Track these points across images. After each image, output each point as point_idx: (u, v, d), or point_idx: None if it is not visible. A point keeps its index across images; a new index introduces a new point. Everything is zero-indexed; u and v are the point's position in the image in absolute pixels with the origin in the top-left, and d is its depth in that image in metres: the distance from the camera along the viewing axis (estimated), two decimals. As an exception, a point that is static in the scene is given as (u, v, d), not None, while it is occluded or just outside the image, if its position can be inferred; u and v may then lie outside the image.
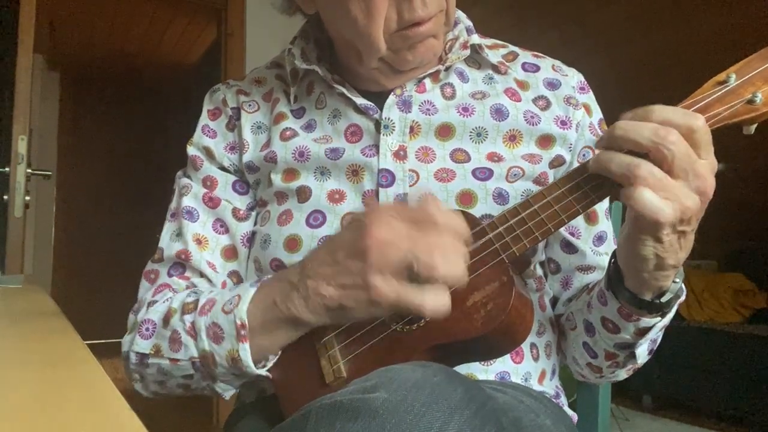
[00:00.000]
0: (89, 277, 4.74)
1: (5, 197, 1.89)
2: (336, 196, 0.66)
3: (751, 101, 0.51)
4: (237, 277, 0.72)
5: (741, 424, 2.64)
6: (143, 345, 0.63)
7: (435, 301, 0.47)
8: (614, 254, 0.58)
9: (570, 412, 0.71)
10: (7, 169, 1.89)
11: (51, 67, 4.45)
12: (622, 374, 0.68)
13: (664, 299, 0.55)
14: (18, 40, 1.90)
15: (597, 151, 0.51)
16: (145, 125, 5.06)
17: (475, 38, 0.72)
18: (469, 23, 0.73)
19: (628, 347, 0.62)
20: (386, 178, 0.65)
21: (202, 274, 0.70)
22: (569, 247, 0.72)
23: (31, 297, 0.95)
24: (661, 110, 0.48)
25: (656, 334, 0.60)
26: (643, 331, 0.58)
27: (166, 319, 0.63)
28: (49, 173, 2.14)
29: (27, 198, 1.91)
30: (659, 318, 0.57)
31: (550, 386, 0.69)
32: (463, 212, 0.59)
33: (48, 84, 4.41)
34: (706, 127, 0.48)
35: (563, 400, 0.70)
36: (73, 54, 4.33)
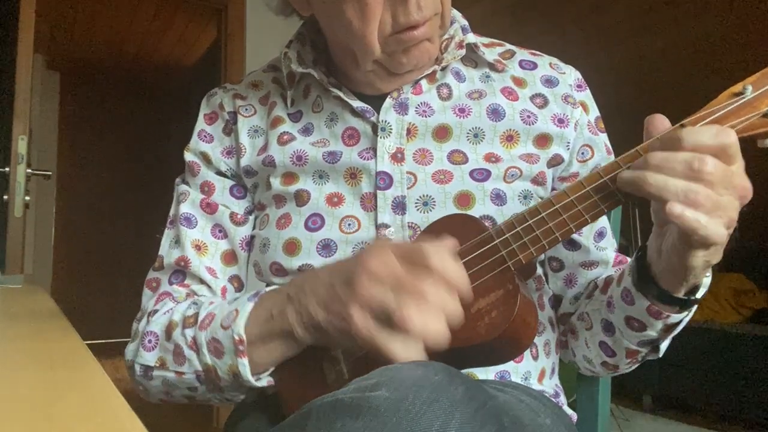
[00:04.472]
0: (89, 277, 4.75)
1: (5, 197, 1.89)
2: (335, 200, 0.67)
3: (767, 114, 0.50)
4: (238, 281, 0.73)
5: (741, 424, 2.64)
6: (147, 357, 0.64)
7: (404, 353, 0.45)
8: (639, 253, 0.58)
9: (569, 411, 0.71)
10: (7, 169, 1.89)
11: (51, 67, 4.45)
12: (635, 365, 0.68)
13: (698, 294, 0.56)
14: (18, 40, 1.90)
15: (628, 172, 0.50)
16: (145, 125, 5.06)
17: (471, 37, 0.71)
18: (465, 22, 0.73)
19: (652, 343, 0.62)
20: (384, 180, 0.66)
21: (201, 281, 0.70)
22: (572, 245, 0.72)
23: (31, 297, 0.95)
24: (690, 135, 0.47)
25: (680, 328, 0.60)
26: (670, 327, 0.59)
27: (168, 332, 0.63)
28: (49, 173, 2.14)
29: (27, 198, 1.91)
30: (687, 312, 0.57)
31: (550, 385, 0.69)
32: (469, 217, 0.58)
33: (48, 84, 4.41)
34: (737, 140, 0.47)
35: (562, 400, 0.70)
36: (73, 54, 4.33)
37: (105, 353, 4.18)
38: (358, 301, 0.47)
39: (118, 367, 3.96)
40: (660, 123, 0.52)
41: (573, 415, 0.72)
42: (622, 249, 0.75)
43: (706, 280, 0.56)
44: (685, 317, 0.58)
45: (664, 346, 0.63)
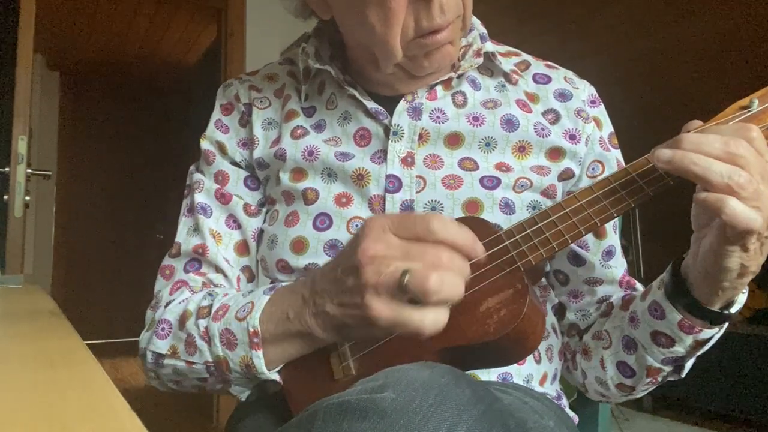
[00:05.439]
0: (89, 277, 4.74)
1: (5, 197, 1.89)
2: (343, 200, 0.66)
3: None
4: (249, 272, 0.73)
5: (741, 424, 2.64)
6: (160, 345, 0.64)
7: (434, 322, 0.44)
8: (673, 265, 0.57)
9: (570, 413, 0.71)
10: (7, 169, 1.89)
11: (51, 67, 4.45)
12: (652, 387, 0.66)
13: (733, 309, 0.55)
14: (18, 40, 1.90)
15: (661, 157, 0.49)
16: (145, 125, 5.06)
17: (489, 46, 0.71)
18: (483, 30, 0.73)
19: (677, 361, 0.61)
20: (393, 183, 0.65)
21: (218, 269, 0.70)
22: (577, 260, 0.71)
23: (31, 297, 0.95)
24: (716, 129, 0.48)
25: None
26: (701, 344, 0.58)
27: (182, 321, 0.63)
28: (49, 173, 2.14)
29: (27, 198, 1.91)
30: (718, 329, 0.56)
31: (551, 389, 0.68)
32: (480, 219, 0.59)
33: (48, 84, 4.41)
34: (761, 134, 0.48)
35: (564, 402, 0.70)
36: (73, 54, 4.33)
37: (105, 353, 4.18)
38: (369, 287, 0.46)
39: (118, 367, 3.96)
40: (696, 127, 0.52)
41: (574, 417, 0.72)
42: (622, 249, 0.75)
43: (742, 297, 0.55)
44: (717, 333, 0.57)
45: (688, 365, 0.61)
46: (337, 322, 0.52)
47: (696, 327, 0.56)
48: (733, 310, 0.55)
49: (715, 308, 0.54)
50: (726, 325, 0.57)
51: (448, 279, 0.43)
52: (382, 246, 0.46)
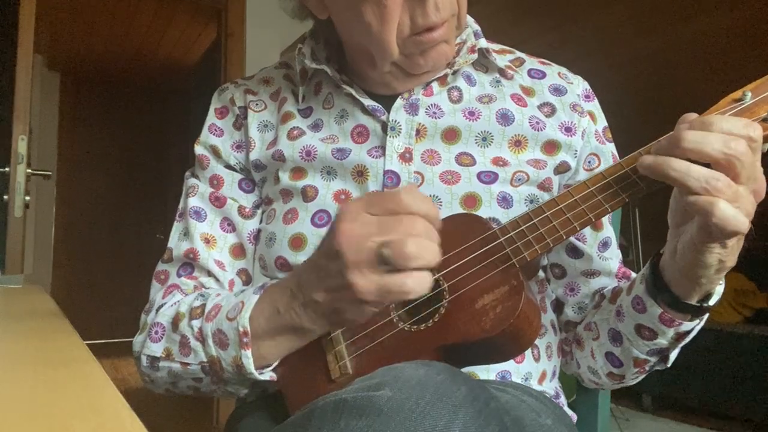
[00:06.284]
0: (89, 277, 4.74)
1: (5, 197, 1.89)
2: (342, 197, 0.67)
3: (766, 119, 0.50)
4: (246, 275, 0.73)
5: (741, 424, 2.64)
6: (154, 348, 0.64)
7: (419, 284, 0.46)
8: (652, 260, 0.58)
9: (569, 412, 0.71)
10: (7, 169, 1.89)
11: (51, 67, 4.45)
12: (641, 376, 0.68)
13: (711, 302, 0.56)
14: (18, 40, 1.90)
15: (650, 157, 0.50)
16: (145, 125, 5.06)
17: (483, 42, 0.72)
18: (477, 27, 0.74)
19: (662, 352, 0.62)
20: (392, 179, 0.66)
21: (209, 273, 0.70)
22: (575, 252, 0.72)
23: (31, 297, 0.95)
24: (721, 121, 0.48)
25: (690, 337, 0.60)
26: (682, 336, 0.59)
27: (175, 323, 0.63)
28: (49, 173, 2.14)
29: (27, 198, 1.91)
30: (698, 321, 0.58)
31: (550, 387, 0.69)
32: (474, 216, 0.59)
33: (48, 84, 4.41)
34: (761, 135, 0.48)
35: (563, 400, 0.70)
36: (73, 54, 4.32)
37: (105, 353, 4.18)
38: (350, 266, 0.47)
39: (118, 367, 3.96)
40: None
41: (573, 416, 0.72)
42: (622, 249, 0.75)
43: (719, 288, 0.56)
44: (697, 325, 0.58)
45: (673, 355, 0.63)
46: (326, 310, 0.53)
47: (676, 320, 0.57)
48: (711, 302, 0.56)
49: (693, 302, 0.56)
50: (706, 316, 0.58)
51: (425, 244, 0.46)
52: (357, 225, 0.48)
